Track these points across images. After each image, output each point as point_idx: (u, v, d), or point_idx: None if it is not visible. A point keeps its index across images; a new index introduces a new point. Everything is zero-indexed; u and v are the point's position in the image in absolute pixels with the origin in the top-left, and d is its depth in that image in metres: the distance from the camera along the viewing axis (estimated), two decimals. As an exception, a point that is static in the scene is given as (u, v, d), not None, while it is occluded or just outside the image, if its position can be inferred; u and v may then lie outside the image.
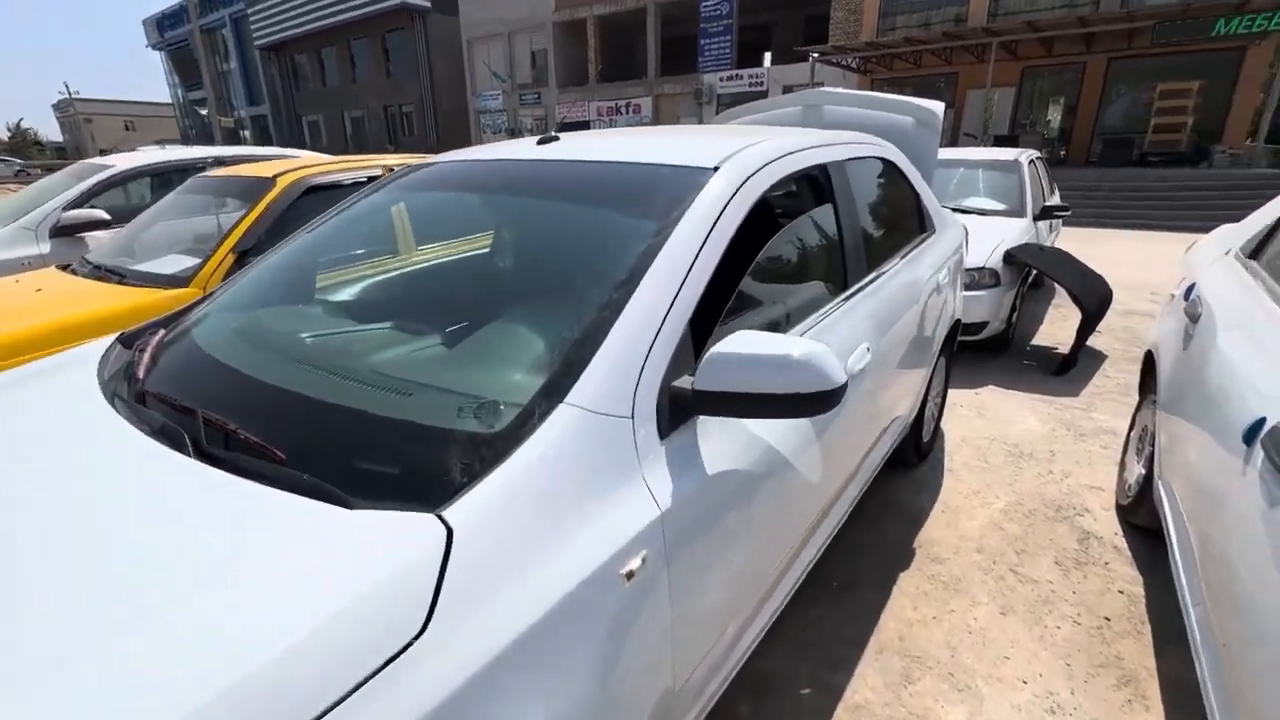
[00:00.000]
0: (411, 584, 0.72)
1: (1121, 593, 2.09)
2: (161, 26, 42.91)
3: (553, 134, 1.77)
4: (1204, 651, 1.37)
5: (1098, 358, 4.35)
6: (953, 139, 16.41)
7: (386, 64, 31.88)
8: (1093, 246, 8.08)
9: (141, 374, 1.23)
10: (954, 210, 4.86)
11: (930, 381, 2.66)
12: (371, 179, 3.03)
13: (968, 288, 3.99)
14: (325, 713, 0.62)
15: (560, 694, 0.79)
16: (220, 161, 4.54)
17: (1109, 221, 11.38)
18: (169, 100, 48.93)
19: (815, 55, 16.92)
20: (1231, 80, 13.99)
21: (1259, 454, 1.26)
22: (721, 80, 21.47)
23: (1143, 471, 2.33)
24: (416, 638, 0.69)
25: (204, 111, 38.69)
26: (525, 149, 1.73)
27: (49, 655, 0.65)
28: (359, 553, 0.74)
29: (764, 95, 15.67)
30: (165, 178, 4.46)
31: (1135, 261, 7.91)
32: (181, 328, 1.47)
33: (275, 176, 2.89)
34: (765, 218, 1.55)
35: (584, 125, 24.72)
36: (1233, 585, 1.30)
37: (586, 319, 1.07)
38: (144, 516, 0.84)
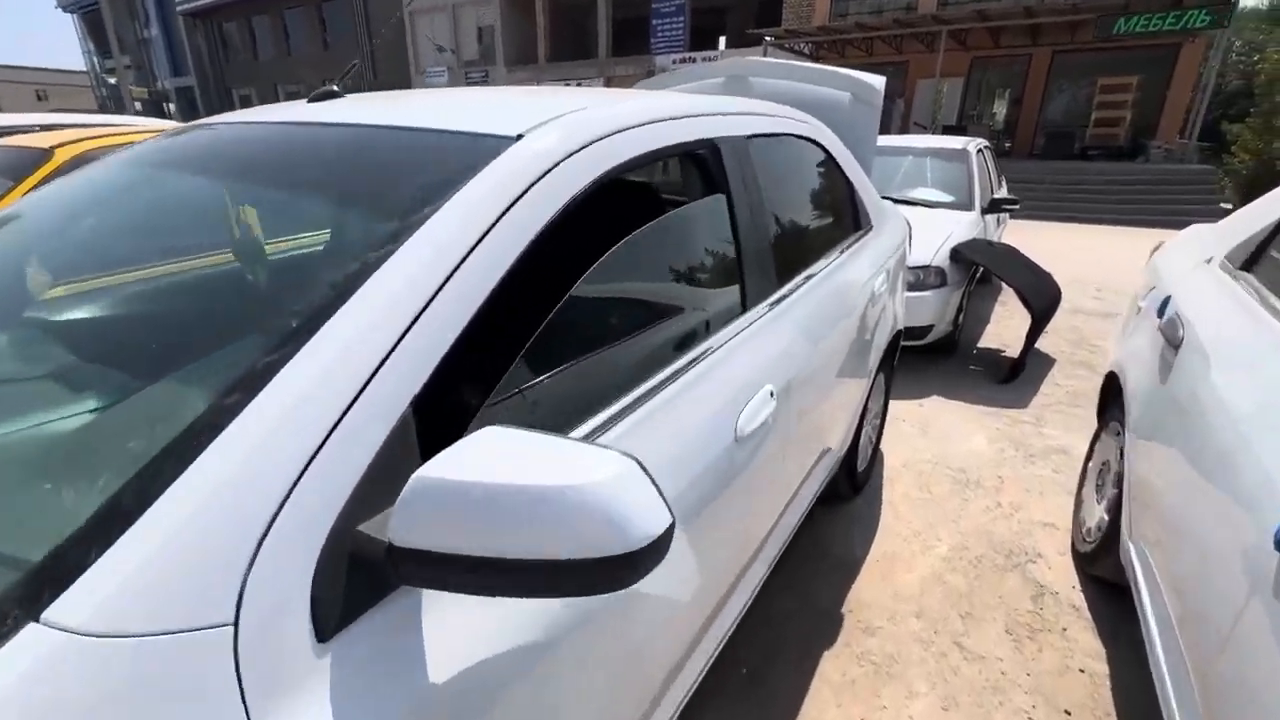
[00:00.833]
0: None
1: (1083, 671, 1.73)
2: (72, -14, 39.34)
3: (330, 87, 1.24)
4: None
5: (1045, 362, 4.08)
6: (903, 128, 16.35)
7: (324, 34, 30.06)
8: (1035, 238, 7.96)
9: None
10: (898, 202, 4.52)
11: (867, 404, 2.26)
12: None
13: (912, 288, 3.63)
14: None
15: None
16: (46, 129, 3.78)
17: (1050, 214, 11.42)
18: (85, 69, 45.10)
19: (769, 39, 16.61)
20: (1167, 77, 14.26)
21: None
22: (674, 62, 20.88)
23: (1105, 517, 1.98)
24: None
25: (113, 81, 35.33)
26: (299, 110, 1.21)
27: None
28: None
29: (715, 79, 15.22)
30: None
31: (1077, 255, 7.82)
32: None
33: (54, 148, 2.26)
34: (609, 213, 1.07)
35: (533, 106, 23.70)
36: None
37: (182, 411, 0.57)
38: None
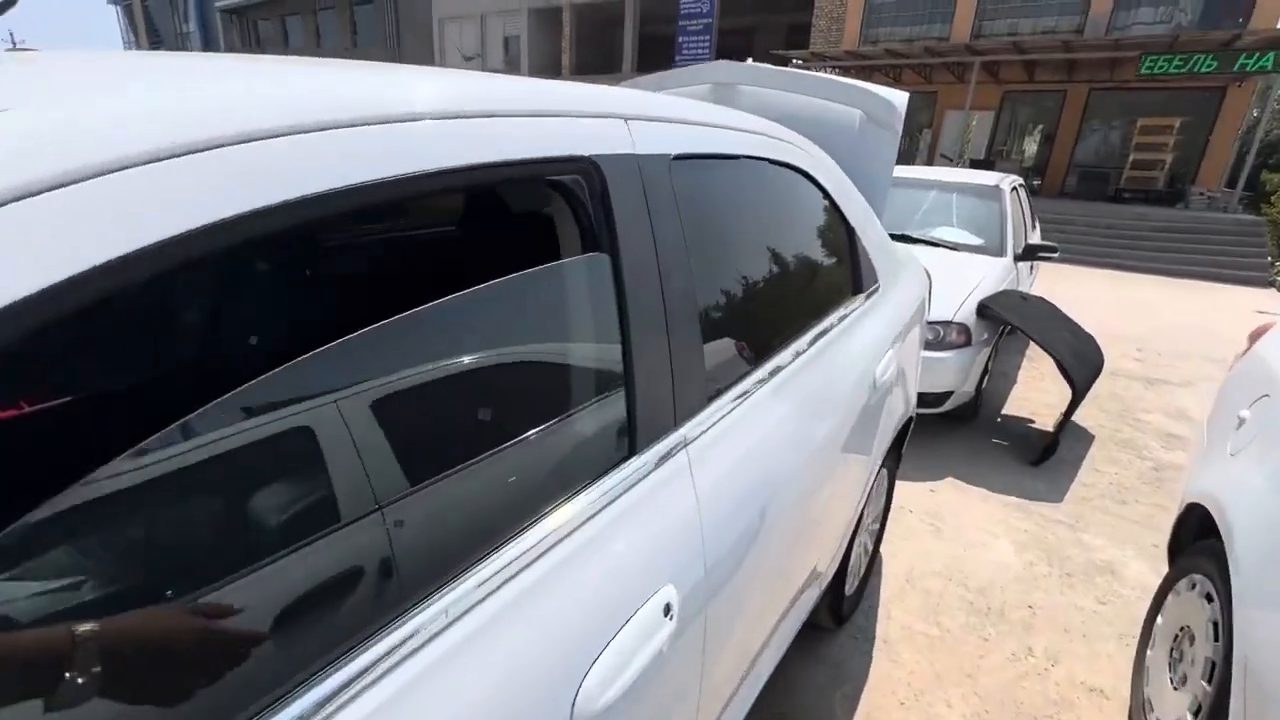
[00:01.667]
0: None
1: None
2: (116, -22, 40.22)
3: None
4: None
5: (1082, 439, 3.48)
6: (928, 161, 15.81)
7: (354, 37, 30.36)
8: (1064, 284, 7.33)
9: None
10: (916, 241, 3.97)
11: (862, 513, 1.71)
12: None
13: (930, 346, 3.07)
14: None
15: None
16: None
17: (1080, 258, 10.74)
18: (122, 58, 45.97)
19: (796, 61, 16.22)
20: (1210, 121, 13.60)
21: None
22: (697, 81, 20.57)
23: (1188, 715, 1.40)
24: None
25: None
26: None
27: None
28: None
29: (737, 99, 14.82)
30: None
31: (1113, 306, 7.18)
32: None
33: None
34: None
35: (553, 117, 23.58)
36: None
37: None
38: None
